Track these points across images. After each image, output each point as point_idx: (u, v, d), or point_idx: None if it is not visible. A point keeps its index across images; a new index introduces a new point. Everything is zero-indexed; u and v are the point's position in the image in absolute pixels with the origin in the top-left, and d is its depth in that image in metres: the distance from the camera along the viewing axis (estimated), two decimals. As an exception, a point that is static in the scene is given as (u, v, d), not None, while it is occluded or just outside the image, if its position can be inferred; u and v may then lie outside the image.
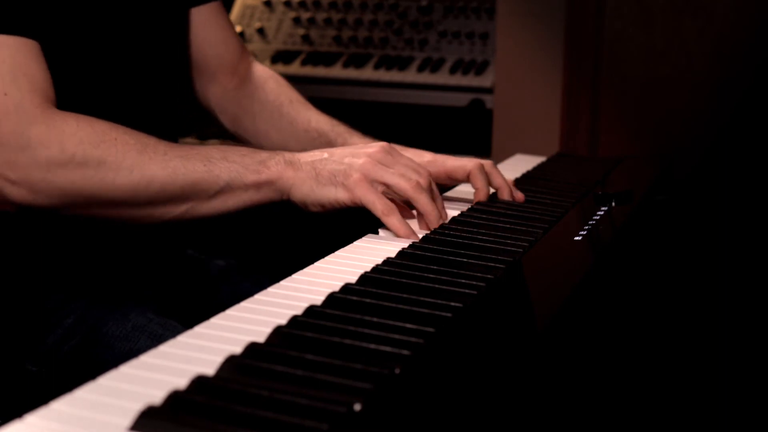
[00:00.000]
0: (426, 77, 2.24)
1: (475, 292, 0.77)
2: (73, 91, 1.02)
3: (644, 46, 2.08)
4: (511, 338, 0.71)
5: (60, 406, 0.56)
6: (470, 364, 0.66)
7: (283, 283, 0.81)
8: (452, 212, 1.05)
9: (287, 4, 2.49)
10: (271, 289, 0.79)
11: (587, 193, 1.20)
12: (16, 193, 0.92)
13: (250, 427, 0.53)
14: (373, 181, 0.96)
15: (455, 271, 0.83)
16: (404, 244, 0.93)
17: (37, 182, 0.92)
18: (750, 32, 1.99)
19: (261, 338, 0.67)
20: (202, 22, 1.26)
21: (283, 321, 0.70)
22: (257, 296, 0.77)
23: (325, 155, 0.98)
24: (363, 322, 0.70)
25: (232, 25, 1.33)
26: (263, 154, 0.98)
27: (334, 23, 2.42)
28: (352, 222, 1.00)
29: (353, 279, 0.80)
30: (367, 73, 2.29)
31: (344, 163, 0.96)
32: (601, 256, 0.98)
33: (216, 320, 0.71)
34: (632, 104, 2.12)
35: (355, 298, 0.75)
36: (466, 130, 2.25)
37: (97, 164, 0.92)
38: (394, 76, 2.26)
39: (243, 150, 0.99)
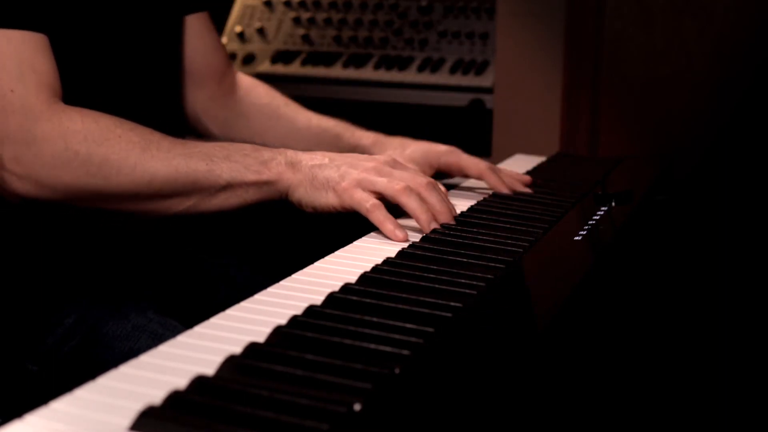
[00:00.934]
0: (426, 77, 2.24)
1: (475, 292, 0.77)
2: (80, 85, 1.03)
3: (644, 46, 2.08)
4: (511, 338, 0.71)
5: (60, 405, 0.56)
6: (470, 364, 0.66)
7: (283, 283, 0.81)
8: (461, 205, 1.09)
9: (287, 4, 2.49)
10: (271, 289, 0.79)
11: (587, 193, 1.20)
12: (22, 187, 0.94)
13: (250, 427, 0.53)
14: (364, 190, 0.97)
15: (455, 271, 0.83)
16: (404, 243, 0.93)
17: (43, 177, 0.94)
18: (750, 32, 1.99)
19: (261, 338, 0.67)
20: (193, 30, 1.30)
21: (283, 321, 0.70)
22: (257, 296, 0.77)
23: (326, 160, 0.99)
24: (363, 322, 0.70)
25: (219, 37, 1.38)
26: (266, 154, 0.99)
27: (334, 23, 2.42)
28: (352, 222, 1.00)
29: (353, 279, 0.81)
30: (367, 73, 2.29)
31: (340, 171, 0.98)
32: (601, 256, 0.97)
33: (216, 320, 0.71)
34: (632, 104, 2.12)
35: (355, 298, 0.75)
36: (466, 130, 2.24)
37: (100, 161, 0.94)
38: (394, 76, 2.26)
39: (246, 148, 1.00)
